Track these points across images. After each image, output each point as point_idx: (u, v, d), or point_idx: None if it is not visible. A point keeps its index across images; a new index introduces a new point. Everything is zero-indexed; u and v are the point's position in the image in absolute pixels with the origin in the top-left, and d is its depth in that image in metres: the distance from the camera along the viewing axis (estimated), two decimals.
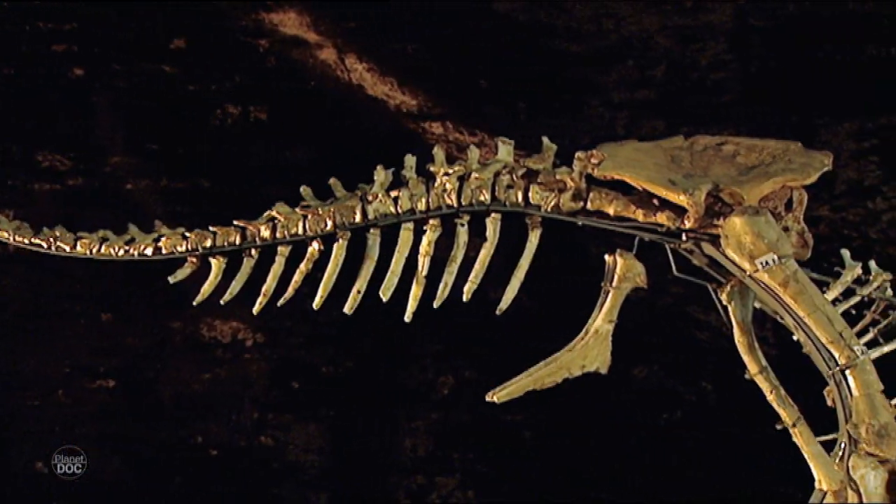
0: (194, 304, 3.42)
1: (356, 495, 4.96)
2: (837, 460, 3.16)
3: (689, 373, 4.90)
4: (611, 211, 3.29)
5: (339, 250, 3.37)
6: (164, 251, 3.42)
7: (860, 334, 3.21)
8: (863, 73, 4.79)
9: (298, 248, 3.41)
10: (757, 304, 3.31)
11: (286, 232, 3.38)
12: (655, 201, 3.25)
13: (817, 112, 4.82)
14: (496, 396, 3.30)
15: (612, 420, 4.91)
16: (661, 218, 3.25)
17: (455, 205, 3.34)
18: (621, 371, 4.82)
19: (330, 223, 3.36)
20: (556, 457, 4.95)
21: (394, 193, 3.37)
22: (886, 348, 3.16)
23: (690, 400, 4.91)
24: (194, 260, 3.42)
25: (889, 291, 3.28)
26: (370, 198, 3.37)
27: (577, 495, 4.91)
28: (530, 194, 3.32)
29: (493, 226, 3.34)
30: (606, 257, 3.36)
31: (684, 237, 3.25)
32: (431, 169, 3.36)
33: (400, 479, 4.96)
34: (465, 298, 3.31)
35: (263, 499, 4.96)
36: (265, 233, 3.39)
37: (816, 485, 3.26)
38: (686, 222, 3.21)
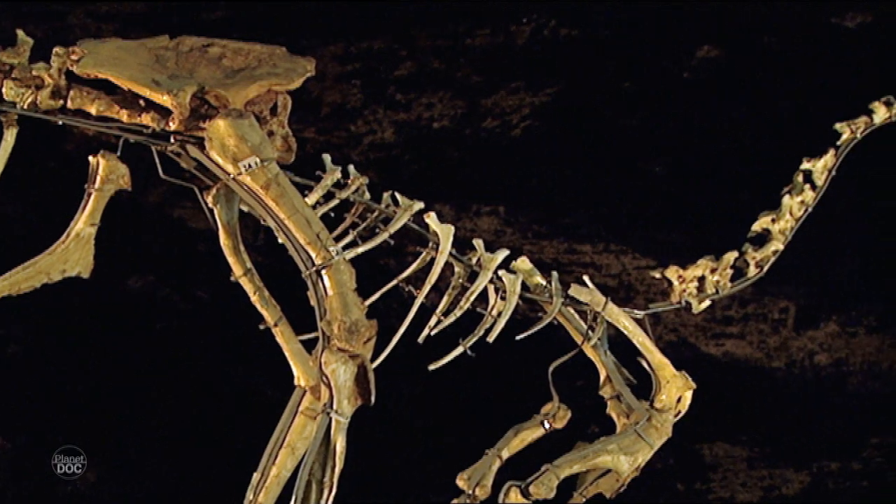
0: None
1: None
2: (315, 357, 3.29)
3: (183, 281, 4.91)
4: (93, 110, 3.17)
5: None
6: None
7: (341, 236, 3.34)
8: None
9: None
10: (245, 208, 3.37)
11: None
12: (141, 102, 3.18)
13: (303, 34, 4.95)
14: None
15: (108, 331, 4.82)
16: (147, 119, 3.18)
17: None
18: (116, 280, 4.77)
19: None
20: (56, 374, 4.79)
21: None
22: (361, 249, 3.31)
23: (186, 308, 4.92)
24: None
25: (367, 195, 3.44)
26: None
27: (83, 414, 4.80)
28: (4, 90, 3.10)
29: None
30: (90, 158, 3.27)
31: (172, 139, 3.22)
32: None
33: None
34: None
35: None
36: None
37: (295, 381, 3.40)
38: (171, 124, 3.17)
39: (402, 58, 5.02)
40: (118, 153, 3.26)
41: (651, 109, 5.14)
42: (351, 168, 3.44)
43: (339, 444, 3.17)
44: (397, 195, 3.46)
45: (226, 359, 4.84)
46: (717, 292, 3.81)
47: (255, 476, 3.36)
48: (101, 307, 4.78)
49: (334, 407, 3.16)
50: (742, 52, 5.13)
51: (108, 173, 3.25)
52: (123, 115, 3.19)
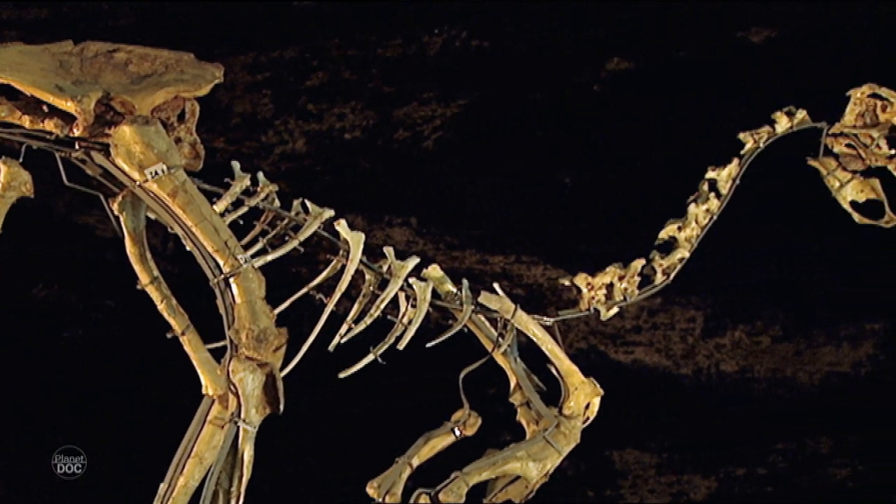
0: None
1: None
2: (223, 366, 3.26)
3: (90, 289, 4.84)
4: None
5: None
6: None
7: (250, 244, 3.32)
8: (259, 9, 4.97)
9: None
10: (152, 215, 3.33)
11: None
12: (45, 108, 3.12)
13: (213, 43, 4.90)
14: None
15: (12, 340, 4.73)
16: (50, 125, 3.13)
17: None
18: (20, 289, 4.68)
19: None
20: None
21: None
22: (270, 257, 3.29)
23: (94, 317, 4.85)
24: None
25: (277, 202, 3.42)
26: None
27: None
28: None
29: None
30: None
31: (77, 146, 3.18)
32: None
33: None
34: None
35: None
36: None
37: (203, 390, 3.37)
38: (76, 130, 3.12)
39: (314, 68, 5.00)
40: (20, 159, 3.21)
41: (561, 121, 5.20)
42: (260, 175, 3.42)
43: (247, 453, 3.15)
44: (307, 203, 3.44)
45: (133, 368, 4.77)
46: (625, 299, 3.86)
47: (162, 486, 3.32)
48: (5, 316, 4.69)
49: (242, 416, 3.14)
50: (651, 65, 5.21)
51: (9, 180, 3.20)
52: (26, 121, 3.13)
